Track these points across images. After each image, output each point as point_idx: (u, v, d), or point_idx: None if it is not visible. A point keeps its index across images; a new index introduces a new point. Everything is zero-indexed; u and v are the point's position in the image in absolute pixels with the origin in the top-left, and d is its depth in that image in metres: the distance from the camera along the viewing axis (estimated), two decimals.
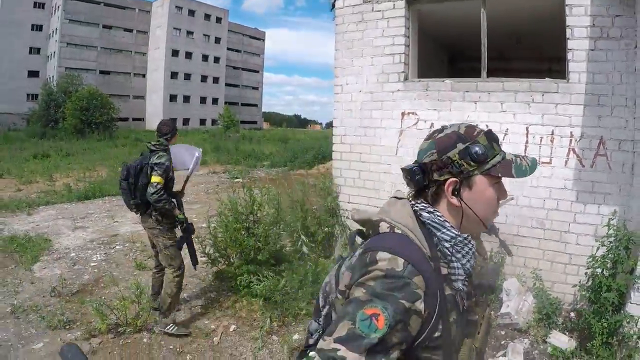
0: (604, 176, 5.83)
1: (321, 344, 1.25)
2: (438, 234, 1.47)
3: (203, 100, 69.89)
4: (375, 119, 7.39)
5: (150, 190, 4.93)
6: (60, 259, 7.88)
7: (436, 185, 1.51)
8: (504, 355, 4.92)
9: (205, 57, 70.11)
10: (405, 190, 1.63)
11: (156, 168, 5.01)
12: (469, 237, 1.49)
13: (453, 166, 1.46)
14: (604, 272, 5.04)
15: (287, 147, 29.44)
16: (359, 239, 1.61)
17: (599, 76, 5.80)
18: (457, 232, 1.47)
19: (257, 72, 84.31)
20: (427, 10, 7.47)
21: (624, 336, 4.68)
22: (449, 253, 1.45)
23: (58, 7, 61.09)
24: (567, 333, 5.43)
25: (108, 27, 64.84)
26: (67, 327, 5.37)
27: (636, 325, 4.71)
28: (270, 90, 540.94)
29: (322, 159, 20.76)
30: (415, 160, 1.55)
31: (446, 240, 1.45)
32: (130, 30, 66.55)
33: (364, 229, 1.64)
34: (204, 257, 6.51)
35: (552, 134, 6.03)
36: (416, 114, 7.04)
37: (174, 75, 64.89)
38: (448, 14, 8.07)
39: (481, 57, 6.76)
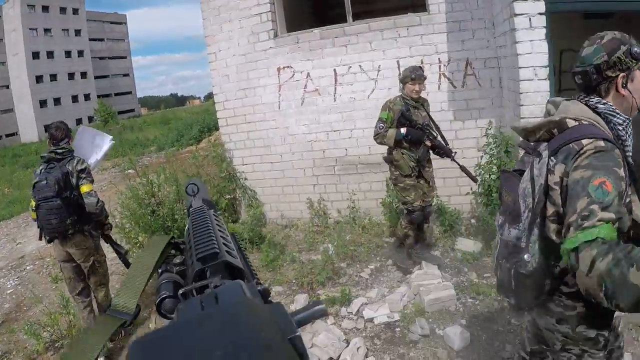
0: (476, 93, 6.36)
1: (573, 225, 1.64)
2: (614, 119, 1.87)
3: (75, 98, 65.54)
4: (253, 79, 7.49)
5: (92, 200, 4.40)
6: None
7: (608, 81, 1.88)
8: (420, 268, 5.28)
9: (68, 53, 65.46)
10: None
11: (84, 175, 4.46)
12: (630, 120, 1.92)
13: (621, 64, 1.84)
14: (491, 176, 5.49)
15: (170, 128, 28.76)
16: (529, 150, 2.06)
17: (457, 4, 6.30)
18: (626, 117, 1.89)
19: (125, 57, 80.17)
20: None
21: None
22: (622, 134, 1.88)
23: None
24: (471, 238, 5.88)
25: None
26: (5, 359, 5.15)
27: None
28: (142, 74, 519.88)
29: (208, 131, 20.45)
30: (578, 65, 1.94)
31: (619, 124, 1.87)
32: None
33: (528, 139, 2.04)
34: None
35: (422, 63, 6.42)
36: (291, 67, 7.23)
37: (39, 79, 59.95)
38: None
39: (345, 2, 6.98)
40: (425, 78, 4.99)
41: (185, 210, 1.25)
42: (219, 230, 0.92)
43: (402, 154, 5.04)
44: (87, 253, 4.63)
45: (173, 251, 1.00)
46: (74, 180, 4.41)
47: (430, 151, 5.10)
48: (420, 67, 5.09)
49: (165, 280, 0.81)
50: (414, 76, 4.91)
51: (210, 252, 0.75)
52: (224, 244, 0.82)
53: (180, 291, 0.72)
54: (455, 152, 5.07)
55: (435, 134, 4.99)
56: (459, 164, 5.00)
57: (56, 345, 5.06)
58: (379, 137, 5.09)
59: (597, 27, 7.00)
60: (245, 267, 0.81)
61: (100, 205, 4.47)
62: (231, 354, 0.43)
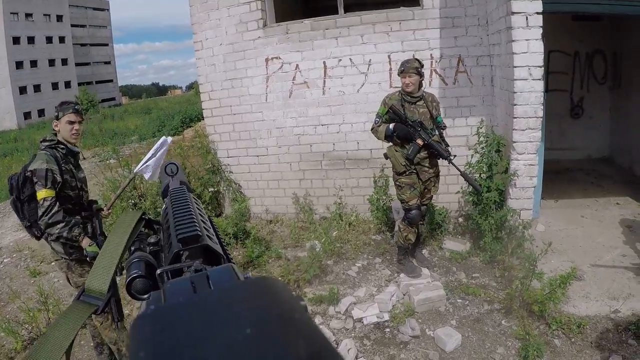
0: (467, 90, 6.30)
1: None
2: None
3: (55, 86, 64.07)
4: (240, 69, 7.32)
5: (39, 212, 3.55)
6: None
7: None
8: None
9: (49, 39, 63.86)
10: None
11: (35, 179, 3.54)
12: None
13: None
14: (482, 175, 5.46)
15: (151, 118, 28.48)
16: None
17: (451, 0, 6.13)
18: None
19: (107, 45, 78.95)
20: None
21: (510, 229, 5.17)
22: None
23: None
24: (459, 237, 5.83)
25: None
26: None
27: (519, 217, 5.18)
28: (123, 62, 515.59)
29: (189, 122, 20.38)
30: None
31: None
32: None
33: None
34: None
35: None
36: (280, 58, 7.08)
37: (19, 65, 58.49)
38: None
39: None
40: (416, 71, 4.72)
41: (161, 192, 1.22)
42: (199, 214, 0.88)
43: (396, 151, 4.94)
44: (61, 267, 4.01)
45: (146, 230, 0.99)
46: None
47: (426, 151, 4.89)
48: (415, 59, 4.87)
49: (137, 259, 0.79)
50: (402, 68, 4.77)
51: (191, 233, 0.72)
52: (204, 227, 0.79)
53: (158, 271, 0.69)
54: (455, 156, 4.86)
55: (431, 133, 4.82)
56: (459, 170, 4.81)
57: (34, 343, 4.87)
58: (373, 132, 5.01)
59: (586, 28, 7.04)
60: (223, 253, 0.77)
61: (45, 220, 3.58)
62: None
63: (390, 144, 5.00)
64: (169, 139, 4.41)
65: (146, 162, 4.16)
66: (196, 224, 0.76)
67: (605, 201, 6.61)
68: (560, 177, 7.86)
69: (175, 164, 1.25)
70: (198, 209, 0.93)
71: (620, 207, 6.39)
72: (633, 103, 7.77)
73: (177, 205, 0.88)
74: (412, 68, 4.71)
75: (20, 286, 6.51)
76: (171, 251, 0.72)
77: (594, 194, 6.98)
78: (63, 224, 3.58)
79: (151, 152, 4.18)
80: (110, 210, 4.23)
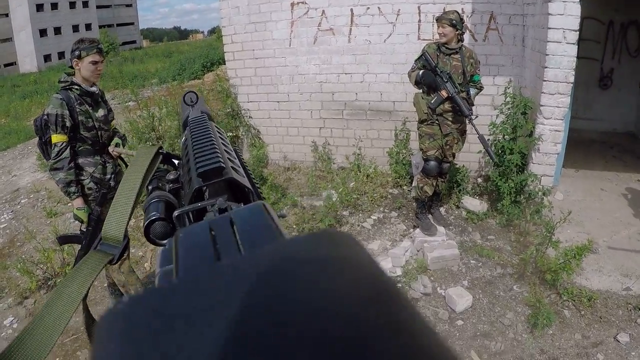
0: (497, 49, 6.12)
1: None
2: None
3: (76, 28, 63.35)
4: (265, 12, 7.14)
5: (52, 155, 3.59)
6: None
7: None
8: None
9: None
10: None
11: (49, 124, 3.57)
12: None
13: None
14: (505, 137, 5.37)
15: (172, 61, 28.21)
16: None
17: None
18: None
19: None
20: None
21: (529, 194, 5.10)
22: None
23: None
24: (477, 197, 5.77)
25: None
26: None
27: (539, 182, 5.11)
28: (145, 5, 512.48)
29: (210, 66, 20.15)
30: None
31: None
32: None
33: None
34: None
35: (444, 11, 6.08)
36: (306, 3, 6.89)
37: (39, 7, 57.70)
38: None
39: None
40: (450, 22, 4.54)
41: (180, 125, 1.10)
42: (223, 144, 0.79)
43: (422, 98, 4.85)
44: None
45: (165, 166, 0.91)
46: None
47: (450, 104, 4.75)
48: (453, 11, 4.70)
49: (156, 199, 0.70)
50: (437, 17, 4.69)
51: (213, 166, 0.63)
52: (228, 159, 0.70)
53: (175, 213, 0.61)
54: (477, 116, 4.75)
55: (458, 89, 4.67)
56: (478, 132, 4.61)
57: (49, 283, 4.95)
58: (408, 76, 4.95)
59: None
60: (252, 188, 0.68)
61: (51, 164, 3.66)
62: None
63: (419, 90, 4.92)
64: None
65: None
66: (219, 155, 0.67)
67: (626, 176, 6.50)
68: (583, 147, 7.72)
69: (194, 92, 1.14)
70: (222, 138, 0.84)
71: None
72: None
73: (197, 136, 0.78)
74: (446, 19, 4.58)
75: (37, 226, 6.57)
76: (191, 188, 0.64)
77: (615, 167, 6.86)
78: (64, 174, 3.57)
79: None
80: (115, 153, 4.01)
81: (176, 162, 0.93)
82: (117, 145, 3.98)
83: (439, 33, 4.67)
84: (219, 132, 0.88)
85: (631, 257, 4.64)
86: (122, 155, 4.03)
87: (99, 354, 0.26)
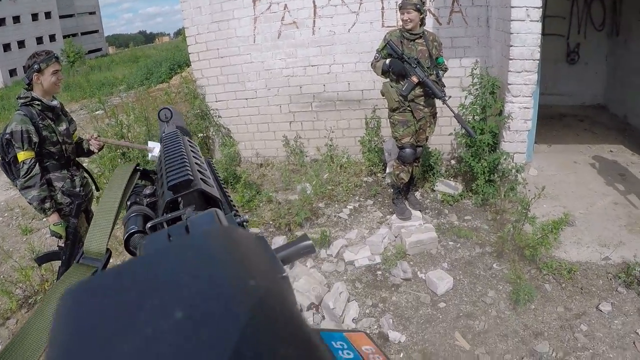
0: (462, 31, 6.13)
1: None
2: None
3: (40, 40, 62.18)
4: (227, 11, 7.05)
5: (20, 173, 3.50)
6: None
7: None
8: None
9: None
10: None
11: (13, 142, 3.46)
12: None
13: None
14: (475, 117, 5.38)
15: (139, 66, 27.94)
16: None
17: None
18: None
19: None
20: None
21: (503, 172, 5.13)
22: None
23: None
24: (451, 179, 5.78)
25: None
26: None
27: (512, 160, 5.13)
28: (108, 12, 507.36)
29: (178, 68, 20.03)
30: None
31: None
32: None
33: None
34: None
35: None
36: None
37: (1, 22, 57.15)
38: None
39: None
40: (414, 7, 4.49)
41: (159, 140, 1.12)
42: (194, 157, 0.85)
43: (391, 87, 4.81)
44: None
45: (142, 181, 0.96)
46: None
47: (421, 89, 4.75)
48: None
49: (134, 213, 0.76)
50: (400, 4, 4.63)
51: (182, 179, 0.67)
52: (198, 171, 0.75)
53: (149, 224, 0.67)
54: (450, 97, 4.76)
55: (427, 73, 4.67)
56: (453, 112, 4.70)
57: (29, 301, 4.83)
58: (372, 67, 4.91)
59: None
60: (222, 197, 0.74)
61: (21, 183, 3.56)
62: (199, 301, 0.29)
63: (387, 80, 4.88)
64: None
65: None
66: (187, 168, 0.71)
67: (598, 148, 6.56)
68: (554, 122, 7.79)
69: (169, 109, 1.21)
70: (193, 151, 0.89)
71: (613, 154, 6.34)
72: (630, 51, 7.62)
73: (168, 151, 0.83)
74: (410, 4, 4.52)
75: (13, 245, 6.43)
76: (164, 200, 0.68)
77: (587, 140, 6.92)
78: (37, 191, 3.50)
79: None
80: (99, 143, 4.04)
81: (153, 177, 1.00)
82: (99, 135, 3.93)
83: (403, 19, 4.62)
84: (191, 146, 0.94)
85: (608, 227, 4.68)
86: (104, 149, 3.96)
87: (53, 329, 0.30)
